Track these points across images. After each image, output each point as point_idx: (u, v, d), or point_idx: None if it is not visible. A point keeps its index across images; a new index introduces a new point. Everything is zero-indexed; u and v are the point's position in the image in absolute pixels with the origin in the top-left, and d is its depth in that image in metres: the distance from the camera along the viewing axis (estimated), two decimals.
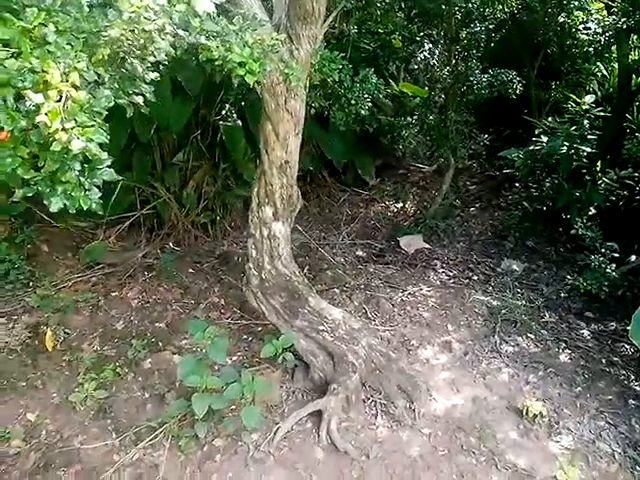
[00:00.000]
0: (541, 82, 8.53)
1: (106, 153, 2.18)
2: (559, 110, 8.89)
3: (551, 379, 4.56)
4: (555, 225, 7.31)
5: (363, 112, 4.88)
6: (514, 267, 6.68)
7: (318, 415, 3.89)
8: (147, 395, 4.14)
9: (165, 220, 6.77)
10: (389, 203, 8.17)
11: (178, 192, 6.81)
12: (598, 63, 8.56)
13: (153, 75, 2.65)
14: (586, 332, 5.41)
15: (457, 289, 5.91)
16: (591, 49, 5.59)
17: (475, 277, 6.40)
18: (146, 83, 2.64)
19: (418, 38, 6.05)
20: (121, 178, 2.43)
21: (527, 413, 4.10)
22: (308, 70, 3.63)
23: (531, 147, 7.20)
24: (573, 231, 5.89)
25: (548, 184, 7.63)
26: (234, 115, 6.43)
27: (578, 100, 7.27)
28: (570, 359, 4.88)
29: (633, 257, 6.09)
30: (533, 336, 5.11)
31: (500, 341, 4.98)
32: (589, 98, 6.83)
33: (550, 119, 7.67)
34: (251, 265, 4.20)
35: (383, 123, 6.65)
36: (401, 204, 8.01)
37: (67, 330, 4.79)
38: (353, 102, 4.84)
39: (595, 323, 5.63)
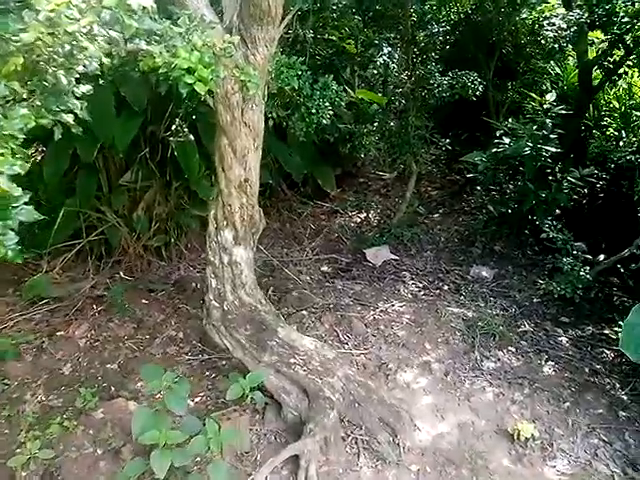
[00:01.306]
0: (497, 83, 8.33)
1: (20, 188, 1.70)
2: (517, 110, 8.74)
3: (537, 395, 4.26)
4: (521, 228, 7.10)
5: (325, 121, 4.49)
6: (484, 274, 6.41)
7: (295, 461, 3.45)
8: (100, 451, 3.61)
9: (115, 246, 6.22)
10: (352, 214, 7.81)
11: (127, 215, 6.28)
12: (551, 62, 8.52)
13: (84, 88, 2.20)
14: (564, 339, 5.16)
15: (429, 302, 5.58)
16: (556, 45, 5.36)
17: (445, 287, 6.10)
18: (76, 98, 2.18)
19: (377, 42, 5.71)
20: (42, 217, 1.96)
21: (518, 437, 3.77)
22: (266, 77, 3.22)
23: (493, 150, 6.96)
24: (544, 234, 5.66)
25: (511, 186, 7.42)
26: (185, 130, 5.95)
27: (539, 99, 7.09)
28: (554, 371, 4.60)
29: (601, 256, 5.87)
30: (513, 349, 4.81)
31: (480, 357, 4.66)
32: (550, 96, 6.64)
33: (510, 120, 7.47)
34: (211, 296, 3.75)
35: (343, 132, 6.27)
36: (364, 214, 7.66)
37: (6, 380, 4.20)
38: (314, 111, 4.44)
39: (571, 328, 5.39)
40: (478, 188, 8.55)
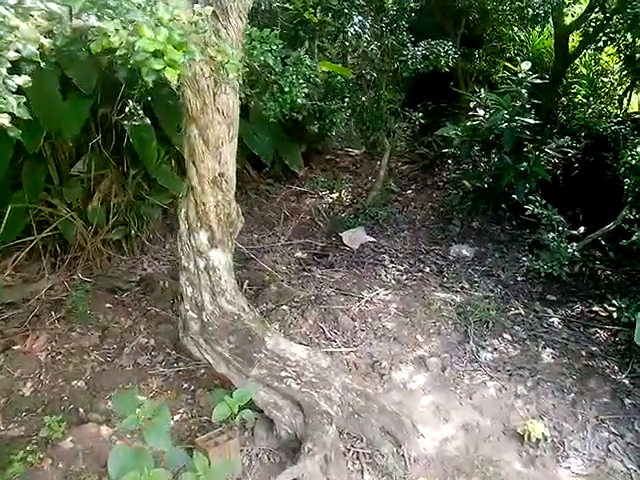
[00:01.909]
0: (465, 52, 7.92)
1: None
2: (484, 80, 8.40)
3: (541, 387, 3.97)
4: (497, 203, 6.80)
5: (300, 100, 4.01)
6: (464, 252, 6.11)
7: None
8: None
9: (70, 242, 5.61)
10: (323, 194, 7.35)
11: (82, 208, 5.66)
12: (515, 28, 8.16)
13: (21, 80, 1.68)
14: (556, 320, 4.91)
15: (415, 288, 5.23)
16: (541, 11, 4.95)
17: (427, 269, 5.76)
18: (13, 93, 1.67)
19: (346, 10, 5.19)
20: None
21: (529, 438, 3.47)
22: (241, 55, 2.71)
23: (468, 123, 6.59)
24: (528, 211, 5.33)
25: (485, 160, 7.10)
26: (140, 112, 5.33)
27: (513, 68, 6.73)
28: (553, 358, 4.33)
29: (581, 229, 5.60)
30: (508, 336, 4.52)
31: (476, 348, 4.34)
32: (525, 65, 6.26)
33: (483, 90, 7.11)
34: (187, 306, 3.27)
35: (312, 109, 5.76)
36: (336, 194, 7.21)
37: None
38: (287, 89, 3.94)
39: (560, 307, 5.15)
40: (449, 162, 8.25)
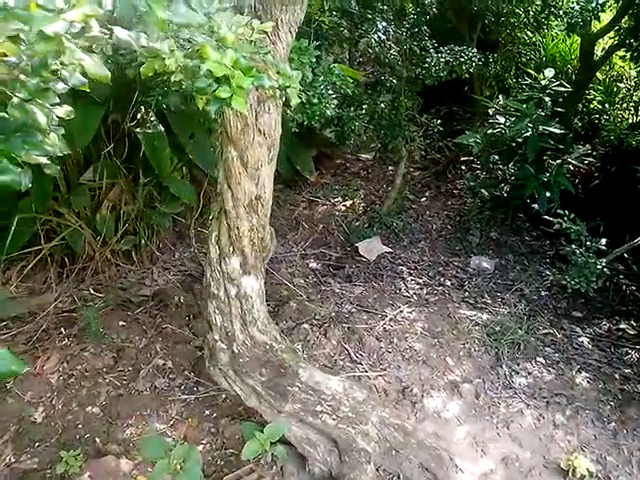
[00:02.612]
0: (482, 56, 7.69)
1: None
2: (497, 85, 8.18)
3: (580, 416, 3.77)
4: (516, 213, 6.61)
5: (329, 112, 3.76)
6: (484, 265, 5.90)
7: None
8: None
9: (78, 252, 5.36)
10: (335, 201, 7.11)
11: (91, 217, 5.40)
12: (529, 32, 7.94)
13: (63, 111, 1.46)
14: (585, 340, 4.71)
15: (438, 305, 5.01)
16: (580, 19, 4.73)
17: (448, 282, 5.54)
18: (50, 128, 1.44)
19: (369, 16, 4.94)
20: None
21: (573, 473, 3.28)
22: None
23: (489, 130, 6.38)
24: (556, 226, 5.12)
25: (502, 168, 6.90)
26: (153, 119, 5.08)
27: (534, 74, 6.52)
28: (588, 383, 4.13)
29: (603, 241, 5.41)
30: (542, 359, 4.31)
31: (510, 372, 4.13)
32: (548, 72, 6.06)
33: (501, 97, 6.91)
34: (217, 336, 3.03)
35: (332, 116, 5.51)
36: (349, 201, 6.98)
37: None
38: (316, 100, 3.70)
39: (588, 325, 4.95)
40: (463, 168, 8.04)
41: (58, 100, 1.41)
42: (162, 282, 5.47)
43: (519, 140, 6.08)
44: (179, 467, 2.51)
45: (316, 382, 3.07)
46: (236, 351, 2.99)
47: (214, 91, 1.48)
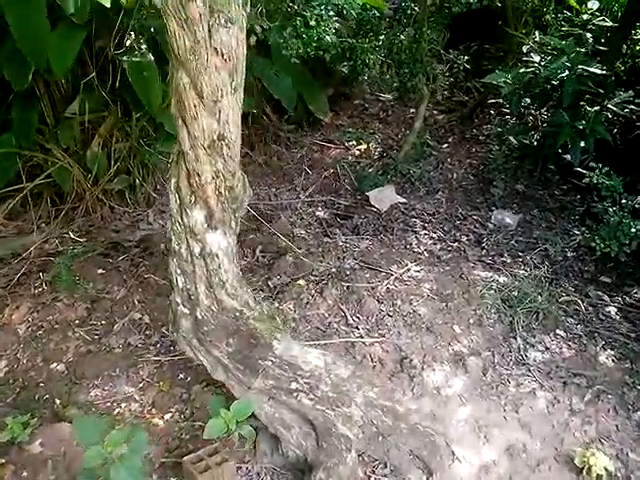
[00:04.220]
0: None
1: None
2: (534, 21, 7.26)
3: (601, 402, 3.23)
4: (546, 164, 5.89)
5: (328, 38, 3.13)
6: (507, 220, 5.26)
7: None
8: None
9: (66, 190, 4.93)
10: (349, 144, 6.47)
11: (80, 154, 4.93)
12: None
13: None
14: (613, 310, 4.11)
15: (451, 264, 4.44)
16: None
17: (464, 238, 4.95)
18: None
19: None
20: None
21: (588, 472, 2.78)
22: None
23: (521, 69, 5.59)
24: (586, 179, 4.45)
25: (534, 113, 6.15)
26: (143, 47, 4.47)
27: (576, 6, 5.65)
28: (613, 362, 3.57)
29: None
30: (562, 332, 3.75)
31: (524, 345, 3.60)
32: (592, 4, 5.21)
33: (537, 32, 6.06)
34: (178, 299, 2.55)
35: (344, 47, 4.82)
36: (364, 145, 6.33)
37: None
38: (312, 23, 3.06)
39: (617, 292, 4.33)
40: (492, 112, 7.26)
41: None
42: (158, 226, 5.04)
43: (554, 82, 5.32)
44: (118, 454, 2.08)
45: (292, 356, 2.59)
46: (200, 317, 2.51)
47: None
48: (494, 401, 3.20)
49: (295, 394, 2.57)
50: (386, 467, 2.72)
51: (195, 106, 2.07)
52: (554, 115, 5.26)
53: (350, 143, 6.42)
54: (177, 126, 2.20)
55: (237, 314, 2.55)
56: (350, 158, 6.21)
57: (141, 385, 3.22)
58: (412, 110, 7.04)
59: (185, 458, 2.55)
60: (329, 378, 2.62)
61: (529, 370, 3.41)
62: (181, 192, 2.36)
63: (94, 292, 3.84)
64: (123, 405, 3.08)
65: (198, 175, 2.27)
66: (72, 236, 4.44)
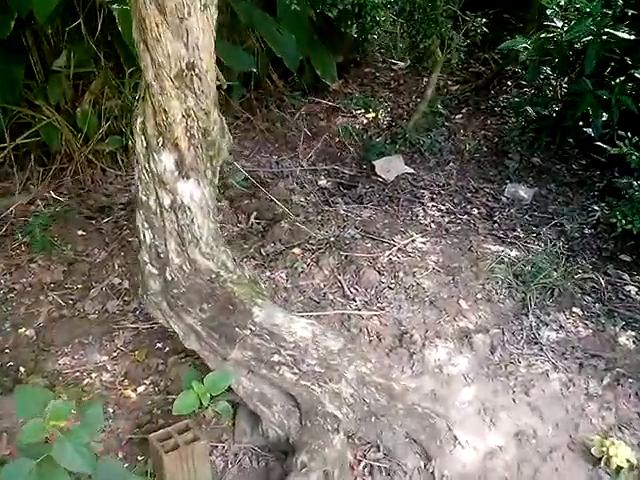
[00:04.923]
0: None
1: None
2: None
3: (621, 387, 2.89)
4: (564, 136, 5.47)
5: None
6: (521, 193, 4.89)
7: None
8: None
9: (54, 149, 4.63)
10: (357, 112, 6.08)
11: (71, 111, 4.61)
12: None
13: None
14: (633, 290, 3.75)
15: (459, 236, 4.09)
16: None
17: (475, 211, 4.60)
18: None
19: None
20: None
21: (607, 464, 2.45)
22: None
23: (542, 34, 5.17)
24: (615, 149, 4.05)
25: (554, 83, 5.73)
26: None
27: None
28: (634, 343, 3.21)
29: None
30: (579, 310, 3.39)
31: (537, 323, 3.25)
32: None
33: None
34: (146, 258, 2.24)
35: (349, 4, 4.42)
36: (372, 114, 5.95)
37: None
38: None
39: (637, 270, 3.96)
40: (509, 83, 6.84)
41: None
42: None
43: (577, 47, 4.91)
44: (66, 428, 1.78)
45: (275, 324, 2.27)
46: (169, 278, 2.20)
47: None
48: (502, 382, 2.87)
49: (277, 367, 2.26)
50: (379, 451, 2.41)
51: (157, 25, 1.73)
52: (575, 83, 4.85)
53: (358, 111, 6.04)
54: (139, 52, 1.86)
55: (212, 276, 2.23)
56: (357, 126, 5.83)
57: (115, 354, 2.93)
58: (425, 80, 6.63)
59: (152, 435, 2.24)
60: (316, 351, 2.30)
61: (542, 350, 3.07)
62: (147, 133, 2.03)
63: (72, 254, 3.55)
64: (93, 375, 2.79)
65: (165, 112, 1.93)
66: (58, 198, 4.11)
